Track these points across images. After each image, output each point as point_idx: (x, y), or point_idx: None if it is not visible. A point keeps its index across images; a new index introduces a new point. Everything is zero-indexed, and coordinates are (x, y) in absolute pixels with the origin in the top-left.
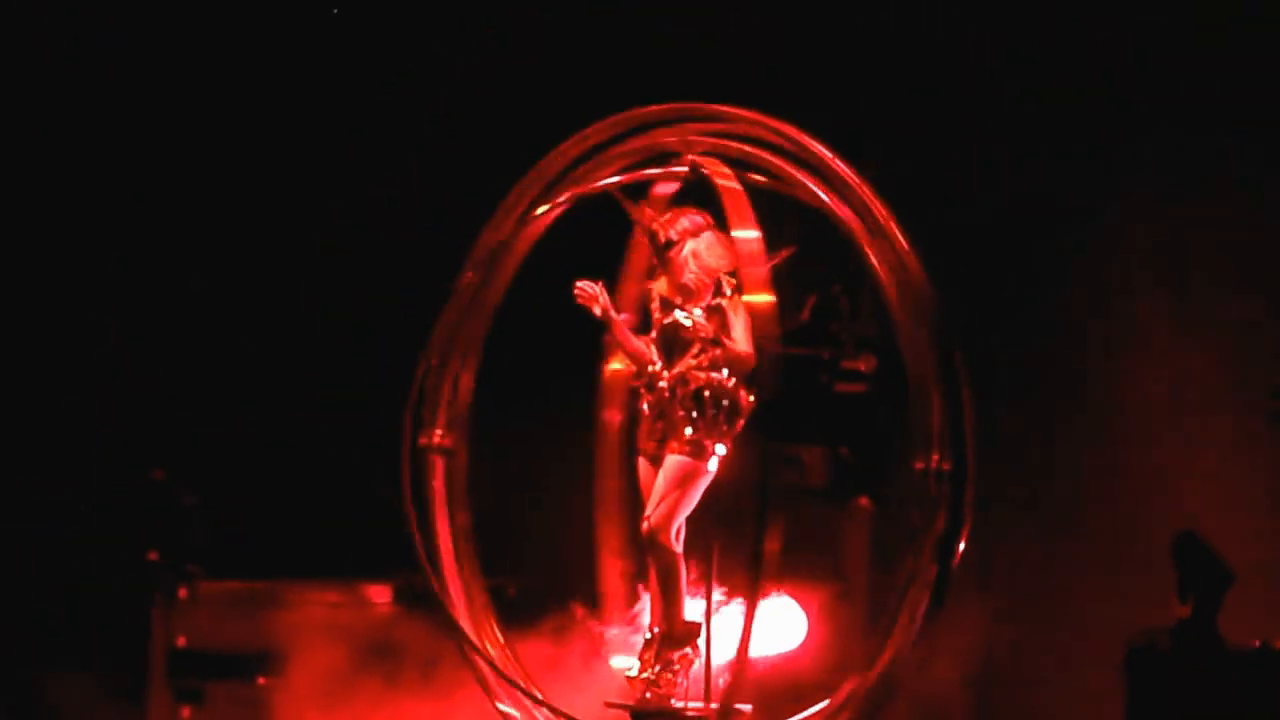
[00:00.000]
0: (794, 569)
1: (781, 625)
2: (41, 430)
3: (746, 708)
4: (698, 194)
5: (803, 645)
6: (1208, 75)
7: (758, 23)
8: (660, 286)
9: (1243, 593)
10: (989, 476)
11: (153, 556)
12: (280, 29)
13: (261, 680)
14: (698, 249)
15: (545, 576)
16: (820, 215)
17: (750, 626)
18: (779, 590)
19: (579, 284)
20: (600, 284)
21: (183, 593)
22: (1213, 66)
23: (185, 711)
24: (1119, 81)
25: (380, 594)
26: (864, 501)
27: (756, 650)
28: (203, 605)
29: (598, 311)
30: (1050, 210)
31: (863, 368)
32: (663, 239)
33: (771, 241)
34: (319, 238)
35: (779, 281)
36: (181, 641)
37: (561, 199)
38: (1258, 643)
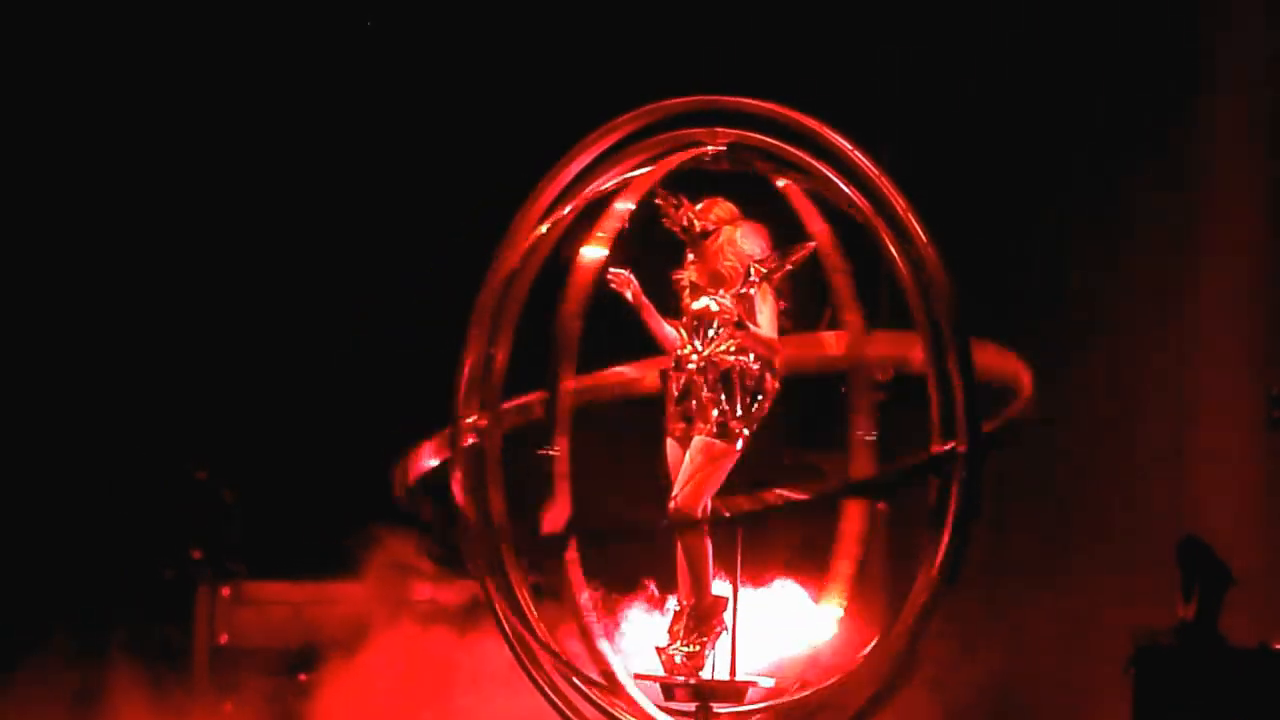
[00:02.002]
0: (814, 568)
1: (807, 621)
2: (87, 433)
3: (770, 681)
4: (726, 183)
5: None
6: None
7: (779, 15)
8: (690, 274)
9: (1243, 595)
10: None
11: (197, 555)
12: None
13: (302, 676)
14: (733, 237)
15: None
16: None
17: None
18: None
19: (611, 271)
20: (630, 270)
21: (225, 591)
22: None
23: (227, 706)
24: (1142, 71)
25: (420, 591)
26: (881, 506)
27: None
28: (244, 603)
29: (629, 297)
30: (1069, 219)
31: (880, 377)
32: (699, 229)
33: (791, 238)
34: (352, 238)
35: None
36: (224, 638)
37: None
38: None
